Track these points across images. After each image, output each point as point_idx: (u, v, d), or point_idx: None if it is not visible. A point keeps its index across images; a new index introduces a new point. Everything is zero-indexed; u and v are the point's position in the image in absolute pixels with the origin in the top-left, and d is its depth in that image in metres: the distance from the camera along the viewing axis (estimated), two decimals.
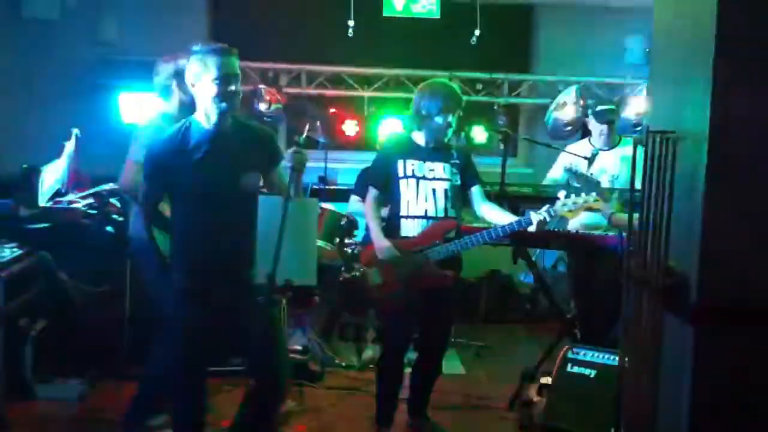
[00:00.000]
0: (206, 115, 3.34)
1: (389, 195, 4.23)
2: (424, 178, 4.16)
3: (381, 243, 4.14)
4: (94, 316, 4.95)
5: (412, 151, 4.22)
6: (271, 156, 3.49)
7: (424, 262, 4.10)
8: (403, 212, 4.17)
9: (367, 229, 6.16)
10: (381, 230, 4.18)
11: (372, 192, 4.27)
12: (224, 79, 3.26)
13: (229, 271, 3.27)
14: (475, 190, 4.31)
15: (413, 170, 4.17)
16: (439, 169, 4.19)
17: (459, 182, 4.23)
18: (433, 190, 4.16)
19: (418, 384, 4.42)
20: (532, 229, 4.07)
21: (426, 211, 4.15)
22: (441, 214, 4.16)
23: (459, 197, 4.24)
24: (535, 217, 4.03)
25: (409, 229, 4.17)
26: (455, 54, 7.11)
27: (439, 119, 4.13)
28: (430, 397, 4.44)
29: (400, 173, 4.17)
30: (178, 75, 4.00)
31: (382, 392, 4.35)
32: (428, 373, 4.40)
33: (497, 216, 4.23)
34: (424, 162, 4.18)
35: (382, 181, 4.23)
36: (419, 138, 4.25)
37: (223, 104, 3.28)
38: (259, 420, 3.51)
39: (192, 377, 3.49)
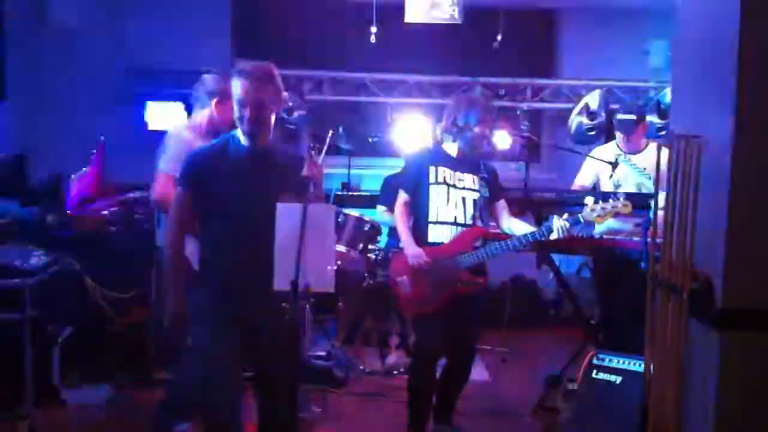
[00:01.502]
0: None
1: (417, 200, 4.24)
2: (454, 186, 4.20)
3: (413, 250, 4.16)
4: (121, 322, 4.99)
5: (443, 159, 4.26)
6: (301, 183, 3.43)
7: (457, 270, 4.11)
8: (432, 218, 4.19)
9: (390, 235, 6.21)
10: (412, 237, 4.20)
11: (402, 196, 4.28)
12: (241, 102, 3.23)
13: (258, 287, 3.22)
14: (501, 204, 4.36)
15: (444, 177, 4.20)
16: (469, 180, 4.23)
17: (487, 194, 4.26)
18: (463, 199, 4.19)
19: (445, 390, 4.39)
20: (553, 236, 4.06)
21: (455, 217, 4.18)
22: (469, 222, 4.19)
23: (486, 209, 4.28)
24: (557, 223, 4.02)
25: (438, 235, 4.18)
26: (478, 59, 7.11)
27: (477, 130, 4.19)
28: (457, 403, 4.43)
29: (431, 179, 4.20)
30: (222, 95, 3.99)
31: (414, 402, 4.30)
32: (456, 379, 4.38)
33: (522, 229, 4.25)
34: (455, 171, 4.22)
35: (412, 186, 4.25)
36: (451, 148, 4.29)
37: (245, 126, 3.25)
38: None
39: (228, 395, 3.34)
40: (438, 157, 4.28)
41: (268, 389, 3.37)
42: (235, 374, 3.33)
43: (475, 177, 4.24)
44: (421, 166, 4.26)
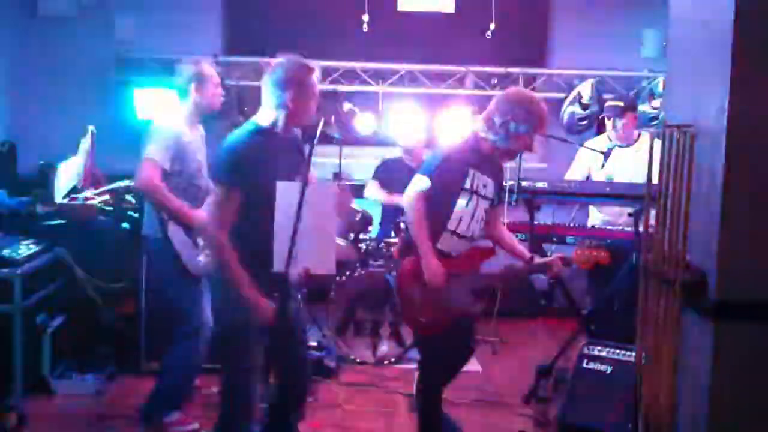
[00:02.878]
0: None
1: (440, 199, 3.71)
2: (480, 195, 3.78)
3: (434, 267, 3.66)
4: (111, 311, 4.97)
5: (479, 160, 3.78)
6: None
7: (469, 291, 3.81)
8: (451, 227, 3.72)
9: (382, 224, 6.20)
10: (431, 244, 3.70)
11: (424, 183, 3.68)
12: (314, 96, 3.40)
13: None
14: (499, 210, 4.05)
15: (477, 185, 3.76)
16: (490, 186, 3.83)
17: (497, 202, 3.94)
18: (481, 211, 3.81)
19: None
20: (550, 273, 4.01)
21: (473, 233, 3.80)
22: (479, 237, 3.86)
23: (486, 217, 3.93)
24: (552, 265, 3.94)
25: (450, 245, 3.76)
26: (470, 48, 7.08)
27: (527, 139, 3.74)
28: (447, 393, 4.42)
29: (467, 185, 3.72)
30: (198, 79, 4.05)
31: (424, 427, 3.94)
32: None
33: (510, 243, 4.03)
34: (483, 174, 3.79)
35: (440, 182, 3.69)
36: (485, 146, 3.79)
37: (305, 117, 3.38)
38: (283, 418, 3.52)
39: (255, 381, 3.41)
40: (476, 158, 3.77)
41: (289, 364, 3.50)
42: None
43: (494, 183, 3.86)
44: (461, 167, 3.73)
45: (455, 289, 3.73)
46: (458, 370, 4.09)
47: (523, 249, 4.06)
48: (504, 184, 4.03)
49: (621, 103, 5.05)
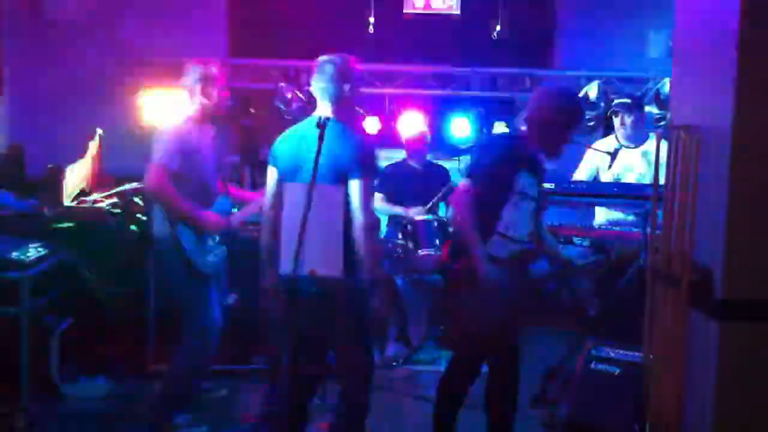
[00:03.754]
0: None
1: (487, 199, 3.58)
2: (529, 197, 3.66)
3: (486, 267, 3.52)
4: (119, 314, 4.98)
5: (526, 160, 3.67)
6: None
7: (515, 293, 3.71)
8: (501, 229, 3.60)
9: (390, 225, 6.20)
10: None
11: (473, 189, 3.59)
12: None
13: None
14: (541, 211, 3.90)
15: (525, 186, 3.63)
16: (535, 187, 3.71)
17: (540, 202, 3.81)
18: (531, 212, 3.70)
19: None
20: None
21: (524, 236, 3.68)
22: (530, 240, 3.74)
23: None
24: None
25: (500, 248, 3.62)
26: (476, 50, 7.08)
27: (568, 134, 3.68)
28: None
29: (517, 188, 3.60)
30: (204, 80, 4.05)
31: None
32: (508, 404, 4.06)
33: (551, 245, 3.99)
34: (531, 176, 3.67)
35: (489, 181, 3.60)
36: (530, 145, 3.70)
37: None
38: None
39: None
40: (523, 158, 3.66)
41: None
42: None
43: (538, 183, 3.73)
44: (507, 168, 3.61)
45: (506, 291, 3.62)
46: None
47: (560, 252, 4.04)
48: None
49: (629, 100, 5.05)
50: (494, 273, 3.52)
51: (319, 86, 3.57)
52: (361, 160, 3.36)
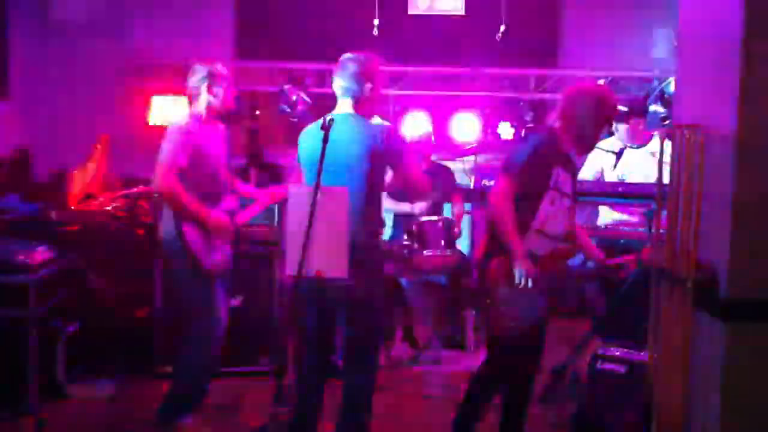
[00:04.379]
0: None
1: (525, 198, 3.61)
2: (564, 193, 3.68)
3: (525, 264, 3.52)
4: (125, 316, 5.00)
5: (561, 158, 3.69)
6: None
7: (548, 290, 3.72)
8: (537, 226, 3.62)
9: (395, 227, 6.20)
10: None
11: (511, 186, 3.58)
12: None
13: None
14: (574, 209, 3.90)
15: (560, 183, 3.65)
16: (569, 183, 3.72)
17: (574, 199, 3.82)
18: (566, 209, 3.71)
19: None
20: None
21: (558, 232, 3.70)
22: (565, 237, 3.76)
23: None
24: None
25: (537, 245, 3.64)
26: (481, 50, 7.08)
27: (601, 129, 3.75)
28: (458, 396, 4.42)
29: (552, 183, 3.61)
30: (210, 78, 4.06)
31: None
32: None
33: (585, 242, 4.00)
34: (567, 173, 3.70)
35: (526, 178, 3.60)
36: (564, 142, 3.72)
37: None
38: None
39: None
40: (559, 155, 3.69)
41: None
42: None
43: (573, 180, 3.75)
44: (547, 165, 3.62)
45: (542, 289, 3.64)
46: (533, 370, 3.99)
47: (596, 250, 4.04)
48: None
49: (624, 108, 5.04)
50: (531, 269, 3.52)
51: (340, 85, 3.58)
52: (392, 144, 3.48)
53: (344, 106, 3.55)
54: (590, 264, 5.69)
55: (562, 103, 3.78)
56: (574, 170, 3.78)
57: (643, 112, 5.25)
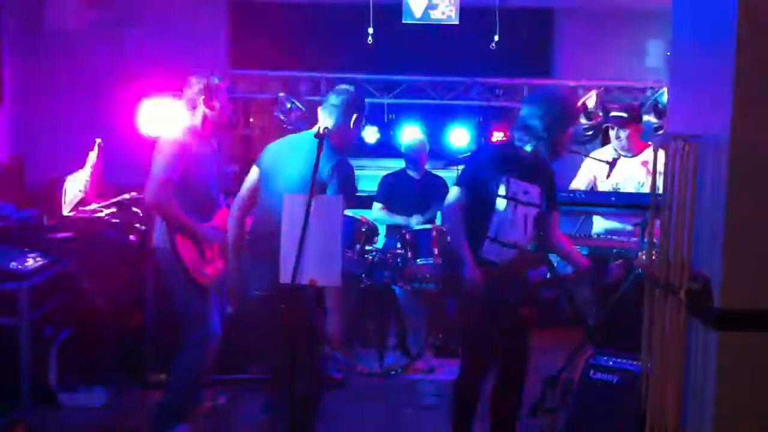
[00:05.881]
0: None
1: (477, 209, 3.71)
2: (521, 202, 3.73)
3: (470, 271, 3.63)
4: (118, 324, 4.98)
5: (516, 166, 3.74)
6: None
7: (510, 297, 3.81)
8: (491, 234, 3.70)
9: (388, 236, 6.21)
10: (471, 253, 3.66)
11: (462, 197, 3.71)
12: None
13: None
14: (553, 218, 3.97)
15: (514, 192, 3.71)
16: (535, 192, 3.78)
17: (545, 208, 3.87)
18: (525, 217, 3.76)
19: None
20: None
21: (516, 241, 3.75)
22: (525, 244, 3.82)
23: (541, 222, 3.89)
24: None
25: (494, 254, 3.72)
26: (475, 59, 7.11)
27: (567, 134, 3.78)
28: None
29: (502, 191, 3.69)
30: (207, 91, 4.05)
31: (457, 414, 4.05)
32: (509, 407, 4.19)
33: (566, 251, 4.03)
34: (523, 181, 3.74)
35: (475, 191, 3.71)
36: (523, 151, 3.79)
37: None
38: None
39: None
40: (512, 164, 3.74)
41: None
42: None
43: (540, 189, 3.80)
44: (492, 174, 3.70)
45: (497, 295, 3.71)
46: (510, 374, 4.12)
47: (580, 257, 4.06)
48: (554, 186, 3.97)
49: (624, 114, 5.04)
50: (479, 277, 3.61)
51: (331, 103, 3.68)
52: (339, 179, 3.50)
53: (324, 123, 3.62)
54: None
55: (525, 110, 3.80)
56: (536, 177, 3.80)
57: (639, 117, 5.27)
